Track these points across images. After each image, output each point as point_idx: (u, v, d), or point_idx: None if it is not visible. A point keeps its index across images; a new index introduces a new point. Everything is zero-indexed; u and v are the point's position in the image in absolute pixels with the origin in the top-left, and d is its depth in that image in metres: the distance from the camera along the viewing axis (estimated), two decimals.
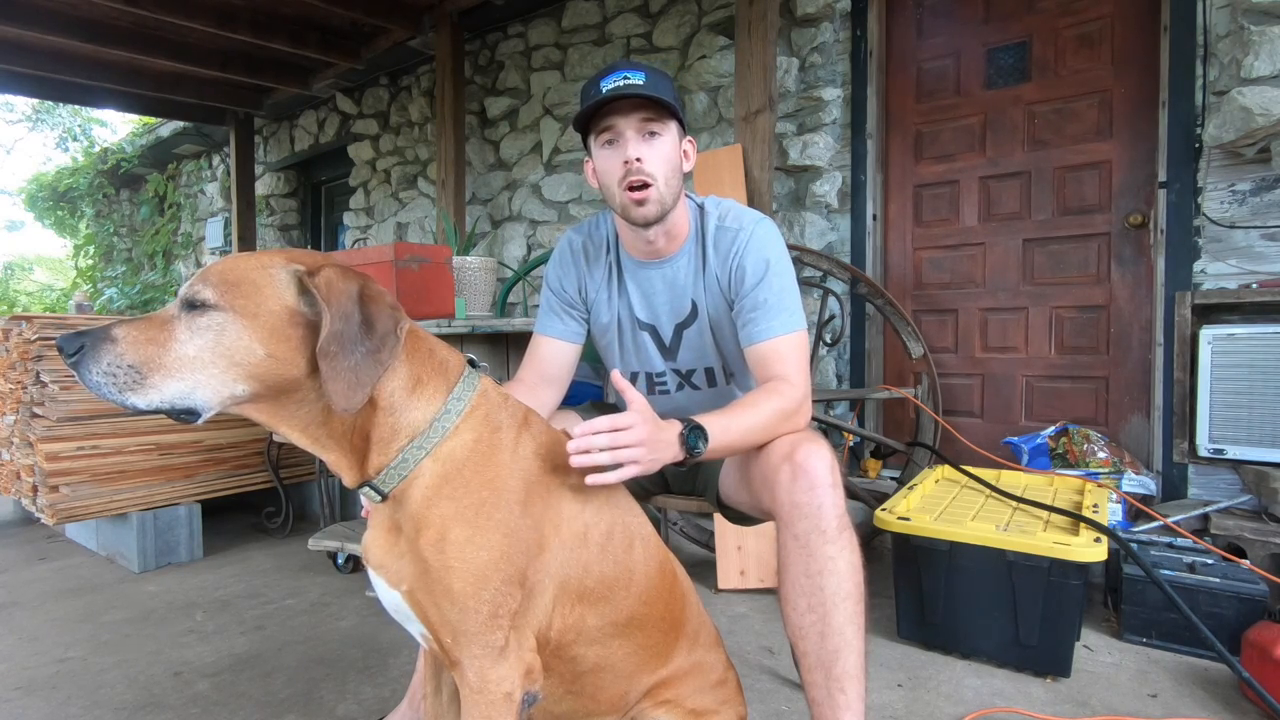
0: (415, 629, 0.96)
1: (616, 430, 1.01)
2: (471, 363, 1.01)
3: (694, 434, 1.12)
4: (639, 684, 1.09)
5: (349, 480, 0.93)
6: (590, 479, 0.98)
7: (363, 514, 1.08)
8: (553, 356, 1.46)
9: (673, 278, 1.40)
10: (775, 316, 1.29)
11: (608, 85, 1.24)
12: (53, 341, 2.50)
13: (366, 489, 0.92)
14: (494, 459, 0.93)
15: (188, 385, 0.81)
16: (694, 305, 1.40)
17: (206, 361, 0.81)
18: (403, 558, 0.91)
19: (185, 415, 0.83)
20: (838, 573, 1.12)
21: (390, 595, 0.94)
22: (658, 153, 1.28)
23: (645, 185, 1.27)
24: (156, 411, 0.82)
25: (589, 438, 0.98)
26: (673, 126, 1.30)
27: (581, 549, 0.99)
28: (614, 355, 1.50)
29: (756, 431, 1.19)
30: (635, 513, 1.09)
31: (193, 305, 0.82)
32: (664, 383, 1.49)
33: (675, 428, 1.12)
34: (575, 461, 0.97)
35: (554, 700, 1.05)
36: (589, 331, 1.51)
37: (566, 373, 1.47)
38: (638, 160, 1.26)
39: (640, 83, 1.24)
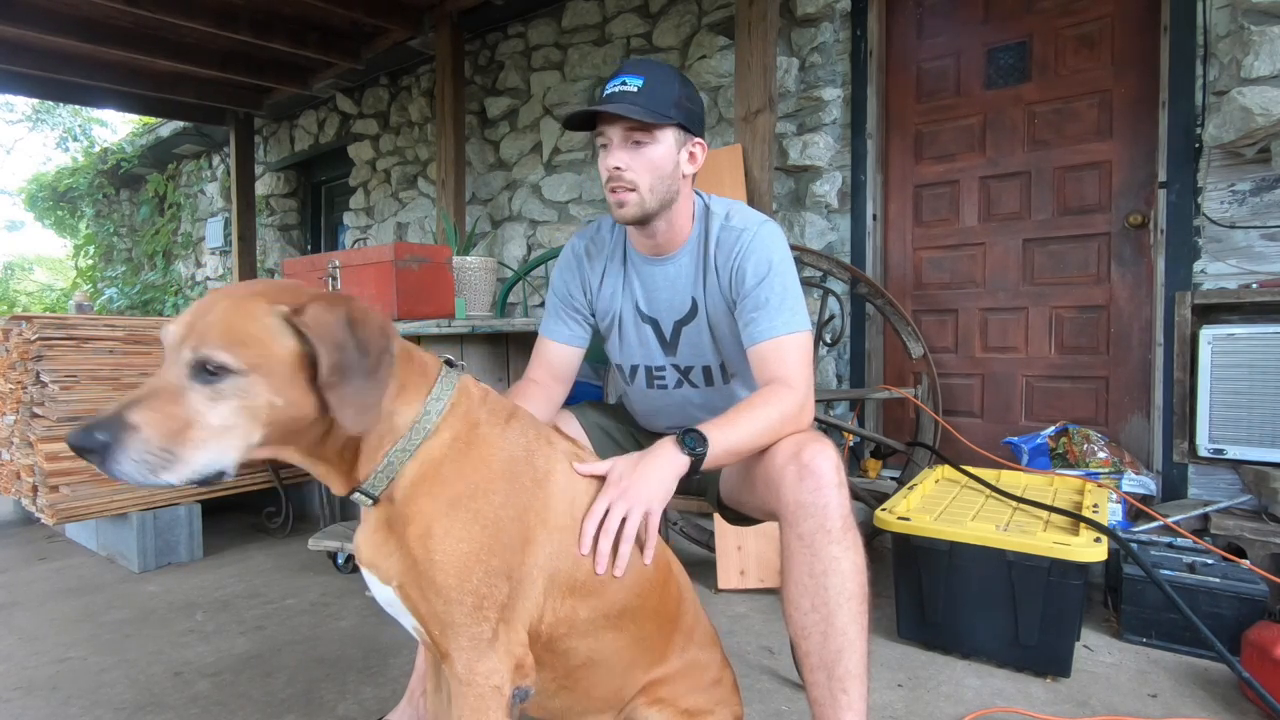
0: (408, 622, 0.98)
1: (600, 517, 1.02)
2: (449, 363, 1.02)
3: (690, 438, 1.13)
4: (633, 680, 1.09)
5: (338, 488, 0.95)
6: (646, 561, 1.05)
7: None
8: (558, 359, 1.51)
9: (674, 275, 1.42)
10: (777, 316, 1.29)
11: (609, 90, 1.29)
12: (53, 341, 2.50)
13: (357, 494, 0.94)
14: (471, 454, 0.95)
15: (217, 451, 0.81)
16: (694, 303, 1.41)
17: (232, 425, 0.81)
18: (391, 555, 0.93)
19: (213, 479, 0.83)
20: (842, 573, 1.12)
21: (383, 591, 0.96)
22: (641, 161, 1.30)
23: (625, 190, 1.30)
24: (188, 483, 0.81)
25: (587, 540, 1.01)
26: (663, 134, 1.31)
27: (571, 541, 1.00)
28: (616, 347, 1.53)
29: (758, 435, 1.19)
30: None
31: (205, 371, 0.80)
32: (663, 377, 1.50)
33: (667, 444, 1.13)
34: (619, 571, 1.01)
35: (547, 695, 1.05)
36: (593, 329, 1.55)
37: (571, 373, 1.53)
38: (617, 169, 1.30)
39: (635, 90, 1.26)
